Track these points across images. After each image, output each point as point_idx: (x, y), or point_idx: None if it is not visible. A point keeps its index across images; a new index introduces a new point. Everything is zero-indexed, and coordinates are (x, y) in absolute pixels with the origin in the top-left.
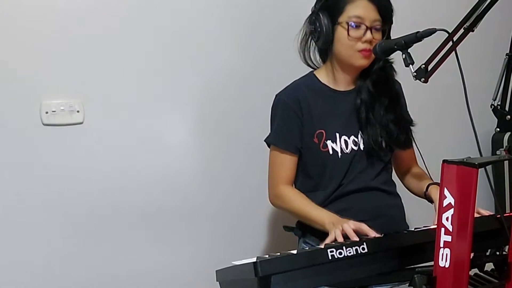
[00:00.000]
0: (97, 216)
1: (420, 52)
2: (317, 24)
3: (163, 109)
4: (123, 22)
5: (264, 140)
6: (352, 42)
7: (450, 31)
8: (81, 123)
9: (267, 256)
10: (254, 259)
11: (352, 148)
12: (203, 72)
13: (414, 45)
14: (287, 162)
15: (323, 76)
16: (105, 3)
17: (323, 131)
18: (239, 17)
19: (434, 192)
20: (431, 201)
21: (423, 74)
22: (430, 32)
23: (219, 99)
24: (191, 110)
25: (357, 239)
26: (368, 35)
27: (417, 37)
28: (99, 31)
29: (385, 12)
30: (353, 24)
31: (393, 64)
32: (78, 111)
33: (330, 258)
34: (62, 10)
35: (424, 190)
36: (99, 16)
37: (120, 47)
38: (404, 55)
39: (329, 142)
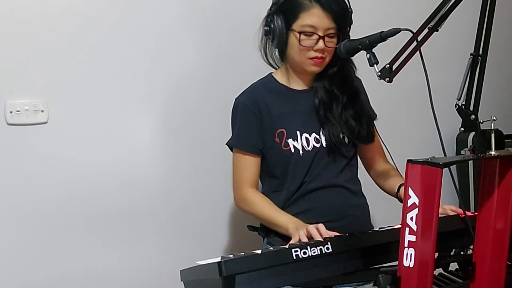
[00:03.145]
0: (61, 216)
1: (385, 52)
2: (272, 26)
3: (128, 109)
4: (89, 23)
5: (226, 144)
6: (304, 51)
7: (414, 31)
8: (46, 122)
9: (231, 256)
10: (219, 259)
11: (313, 146)
12: (168, 73)
13: (379, 44)
14: (250, 164)
15: (280, 76)
16: (71, 3)
17: (283, 130)
18: (205, 20)
19: None
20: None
21: (387, 74)
22: (394, 32)
23: (184, 100)
24: (156, 111)
25: (321, 238)
26: (321, 44)
27: (382, 36)
28: (65, 31)
29: (340, 19)
30: (305, 33)
31: (352, 60)
32: (42, 111)
33: (294, 257)
34: (27, 10)
35: (396, 190)
36: (65, 16)
37: (86, 47)
38: (368, 55)
39: (290, 141)
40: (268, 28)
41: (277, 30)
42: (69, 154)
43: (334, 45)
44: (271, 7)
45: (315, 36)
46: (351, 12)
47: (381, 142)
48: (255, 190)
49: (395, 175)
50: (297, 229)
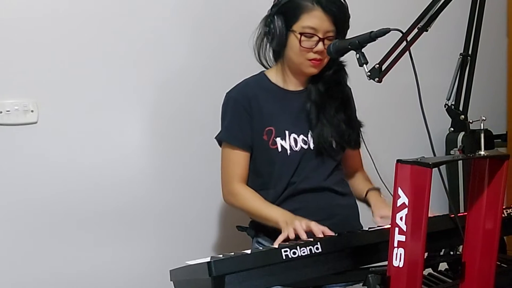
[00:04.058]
0: (51, 217)
1: (374, 52)
2: (272, 27)
3: (118, 109)
4: (78, 23)
5: (215, 138)
6: (303, 52)
7: (404, 31)
8: (35, 122)
9: (221, 256)
10: (208, 259)
11: (301, 147)
12: (158, 73)
13: (368, 44)
14: (239, 159)
15: (273, 76)
16: (60, 3)
17: (272, 128)
18: (194, 19)
19: (371, 196)
20: (369, 205)
21: (377, 74)
22: (384, 32)
23: (174, 99)
24: (145, 111)
25: (305, 237)
26: (320, 46)
27: (371, 37)
28: (54, 31)
29: (340, 23)
30: (306, 34)
31: (345, 67)
32: (32, 111)
33: (284, 258)
34: (16, 10)
35: (364, 194)
36: (54, 17)
37: (75, 47)
38: (358, 55)
39: (278, 139)
40: (268, 28)
41: (277, 31)
42: (58, 154)
43: None
44: (271, 8)
45: (315, 38)
46: (349, 17)
47: (365, 149)
48: (244, 185)
49: (368, 181)
50: (286, 222)
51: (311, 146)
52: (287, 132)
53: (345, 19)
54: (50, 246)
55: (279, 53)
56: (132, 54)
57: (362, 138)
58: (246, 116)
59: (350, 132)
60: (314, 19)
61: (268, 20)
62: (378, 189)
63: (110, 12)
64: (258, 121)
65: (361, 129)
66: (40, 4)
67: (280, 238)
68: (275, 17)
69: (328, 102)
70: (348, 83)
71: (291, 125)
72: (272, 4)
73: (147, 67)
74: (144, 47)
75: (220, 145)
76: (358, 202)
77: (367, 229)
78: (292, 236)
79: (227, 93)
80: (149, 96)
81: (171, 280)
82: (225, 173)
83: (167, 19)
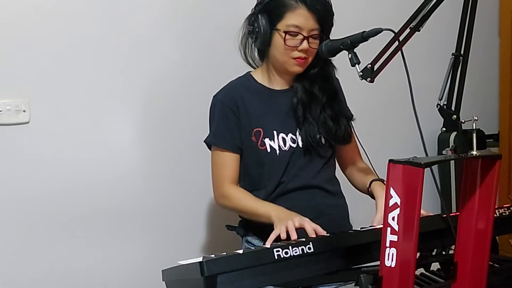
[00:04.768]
0: (43, 216)
1: (367, 52)
2: (256, 26)
3: (109, 109)
4: (70, 22)
5: (204, 141)
6: (288, 50)
7: (396, 31)
8: (27, 122)
9: (213, 255)
10: (200, 259)
11: (290, 146)
12: (148, 74)
13: (360, 44)
14: (229, 161)
15: (259, 76)
16: (52, 3)
17: (260, 129)
18: (185, 20)
19: (376, 188)
20: (373, 197)
21: (369, 74)
22: (376, 32)
23: (164, 99)
24: (136, 110)
25: (296, 237)
26: (305, 44)
27: (363, 36)
28: (46, 30)
29: (324, 21)
30: (290, 33)
31: (331, 61)
32: (24, 111)
33: (276, 257)
34: (7, 10)
35: (367, 186)
36: (46, 16)
37: (67, 47)
38: (350, 55)
39: (267, 140)
40: (252, 27)
41: (261, 30)
42: (51, 154)
43: (317, 46)
44: (255, 7)
45: (300, 36)
46: (333, 14)
47: (358, 142)
48: (235, 186)
49: (371, 174)
50: (279, 218)
51: (300, 144)
52: (275, 132)
53: (330, 17)
54: (42, 246)
55: (263, 52)
56: (123, 55)
57: (354, 131)
58: (233, 118)
59: (337, 128)
60: (298, 18)
61: (252, 19)
62: (382, 180)
63: (101, 13)
64: (246, 123)
65: (353, 125)
66: (30, 4)
67: (272, 236)
68: (259, 16)
69: (315, 100)
70: (336, 75)
71: (279, 124)
72: (256, 2)
73: (137, 68)
74: (134, 48)
75: (210, 148)
76: (348, 202)
77: (359, 229)
78: (283, 236)
79: (214, 96)
80: (139, 96)
81: (163, 280)
82: (216, 176)
83: (156, 20)
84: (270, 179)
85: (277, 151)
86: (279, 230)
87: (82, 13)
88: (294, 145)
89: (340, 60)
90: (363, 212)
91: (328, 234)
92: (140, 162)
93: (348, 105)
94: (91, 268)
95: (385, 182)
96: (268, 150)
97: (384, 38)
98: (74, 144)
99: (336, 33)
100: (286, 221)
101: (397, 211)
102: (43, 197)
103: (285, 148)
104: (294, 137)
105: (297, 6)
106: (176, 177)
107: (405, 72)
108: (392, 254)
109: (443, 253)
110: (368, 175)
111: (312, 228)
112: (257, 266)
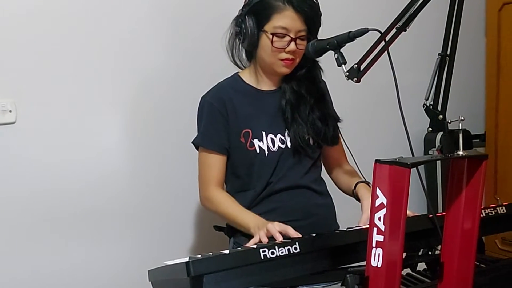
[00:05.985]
0: (28, 216)
1: (353, 52)
2: (243, 27)
3: (96, 109)
4: (56, 22)
5: (192, 142)
6: (276, 52)
7: (382, 31)
8: (14, 122)
9: (199, 256)
10: (187, 259)
11: (279, 146)
12: (135, 74)
13: (347, 44)
14: (216, 163)
15: (247, 76)
16: (38, 3)
17: (249, 130)
18: (173, 20)
19: (361, 190)
20: (358, 199)
21: (355, 74)
22: (362, 32)
23: (151, 99)
24: (123, 111)
25: (281, 239)
26: (292, 46)
27: (350, 36)
28: (32, 30)
29: (312, 22)
30: (278, 34)
31: (319, 63)
32: (10, 111)
33: (262, 258)
34: None
35: (353, 188)
36: (32, 16)
37: (54, 46)
38: (336, 55)
39: (255, 141)
40: (239, 29)
41: (249, 31)
42: (37, 154)
43: (304, 47)
44: (242, 8)
45: (287, 38)
46: (321, 15)
47: (344, 144)
48: (221, 189)
49: (356, 176)
50: (258, 228)
51: (288, 145)
52: (264, 133)
53: (317, 17)
54: (27, 246)
55: (251, 54)
56: (109, 55)
57: (340, 133)
58: (221, 119)
59: (325, 129)
60: (285, 19)
61: (239, 21)
62: (367, 182)
63: (87, 12)
64: (234, 124)
65: (340, 126)
66: (16, 4)
67: (251, 243)
68: (246, 17)
69: (303, 101)
70: (323, 78)
71: (268, 125)
72: (243, 4)
73: (124, 68)
74: (121, 48)
75: (197, 149)
76: (335, 201)
77: (345, 229)
78: (264, 240)
79: (202, 97)
80: (126, 96)
81: (149, 280)
82: (202, 177)
83: (144, 20)
84: (259, 179)
85: (266, 152)
86: (258, 237)
87: (68, 13)
88: (283, 146)
89: (327, 61)
90: (349, 212)
91: (314, 235)
92: (127, 162)
93: (334, 105)
94: (76, 268)
95: (370, 184)
96: (257, 151)
97: (370, 38)
98: (60, 144)
99: (323, 33)
100: (265, 227)
101: (383, 211)
102: (28, 197)
103: (274, 149)
104: (283, 137)
105: (284, 7)
106: (163, 177)
107: (392, 72)
108: (379, 254)
109: (430, 253)
110: (353, 177)
111: (294, 233)
112: (243, 266)
